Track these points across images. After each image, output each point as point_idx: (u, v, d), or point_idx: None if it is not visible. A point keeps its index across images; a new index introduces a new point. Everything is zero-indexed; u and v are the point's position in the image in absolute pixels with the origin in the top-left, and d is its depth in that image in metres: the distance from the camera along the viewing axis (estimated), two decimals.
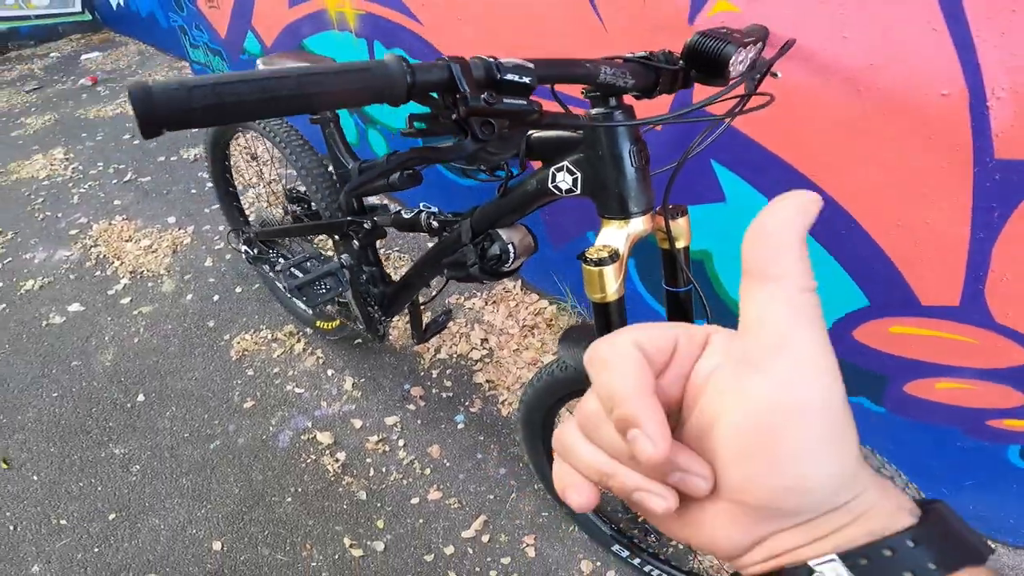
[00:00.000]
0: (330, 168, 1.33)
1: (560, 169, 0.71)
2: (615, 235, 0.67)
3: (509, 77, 0.53)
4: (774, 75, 0.72)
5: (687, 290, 0.75)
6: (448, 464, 1.56)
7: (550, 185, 0.74)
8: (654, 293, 1.61)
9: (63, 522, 1.52)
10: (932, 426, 1.18)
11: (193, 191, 2.93)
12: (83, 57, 5.48)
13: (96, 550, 1.45)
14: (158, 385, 1.86)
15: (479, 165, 0.78)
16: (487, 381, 1.76)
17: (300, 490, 1.52)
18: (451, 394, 1.74)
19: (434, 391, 1.75)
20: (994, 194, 0.87)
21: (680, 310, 0.77)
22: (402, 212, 1.10)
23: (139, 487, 1.58)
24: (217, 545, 1.43)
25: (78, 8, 6.35)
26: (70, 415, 1.80)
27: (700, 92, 0.72)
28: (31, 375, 1.95)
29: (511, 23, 1.42)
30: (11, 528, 1.52)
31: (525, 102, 0.53)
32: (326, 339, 1.94)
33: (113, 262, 2.44)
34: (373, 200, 1.92)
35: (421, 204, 1.04)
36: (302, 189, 1.60)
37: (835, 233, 1.10)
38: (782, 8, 0.93)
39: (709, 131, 0.69)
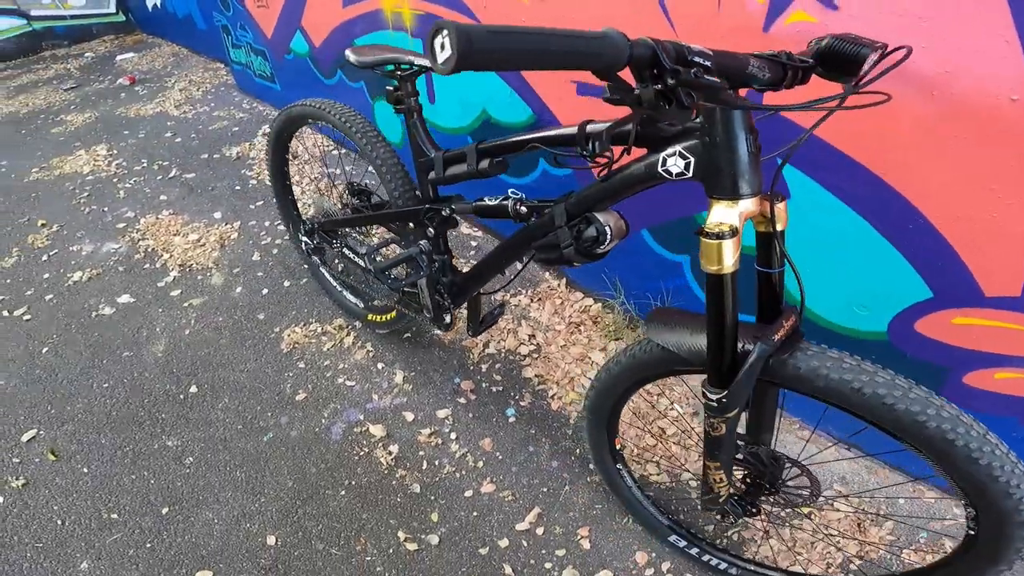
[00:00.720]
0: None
1: (672, 154, 0.80)
2: (728, 213, 0.76)
3: (695, 59, 0.63)
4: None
5: (780, 271, 0.84)
6: (500, 457, 1.63)
7: (659, 169, 0.83)
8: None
9: (114, 516, 1.55)
10: (989, 416, 1.24)
11: (237, 188, 3.08)
12: (118, 57, 5.74)
13: (148, 545, 1.48)
14: (210, 377, 1.95)
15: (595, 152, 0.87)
16: (536, 376, 1.85)
17: (354, 483, 1.60)
18: (501, 388, 1.82)
19: (484, 385, 1.84)
20: None
21: (772, 290, 0.85)
22: (485, 199, 1.19)
23: (192, 480, 1.64)
24: (271, 540, 1.48)
25: (112, 9, 6.67)
26: (121, 406, 1.88)
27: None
28: (80, 366, 2.05)
29: (580, 26, 1.52)
30: (59, 523, 1.55)
31: (718, 80, 0.63)
32: (375, 332, 2.04)
33: (162, 255, 2.58)
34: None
35: (509, 191, 1.14)
36: (362, 182, 1.72)
37: (902, 228, 1.18)
38: (860, 20, 1.03)
39: (813, 125, 0.79)
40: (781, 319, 0.86)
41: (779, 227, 0.81)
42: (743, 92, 0.76)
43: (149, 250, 2.62)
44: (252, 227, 2.73)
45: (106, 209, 2.99)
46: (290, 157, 1.98)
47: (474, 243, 2.49)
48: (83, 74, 5.41)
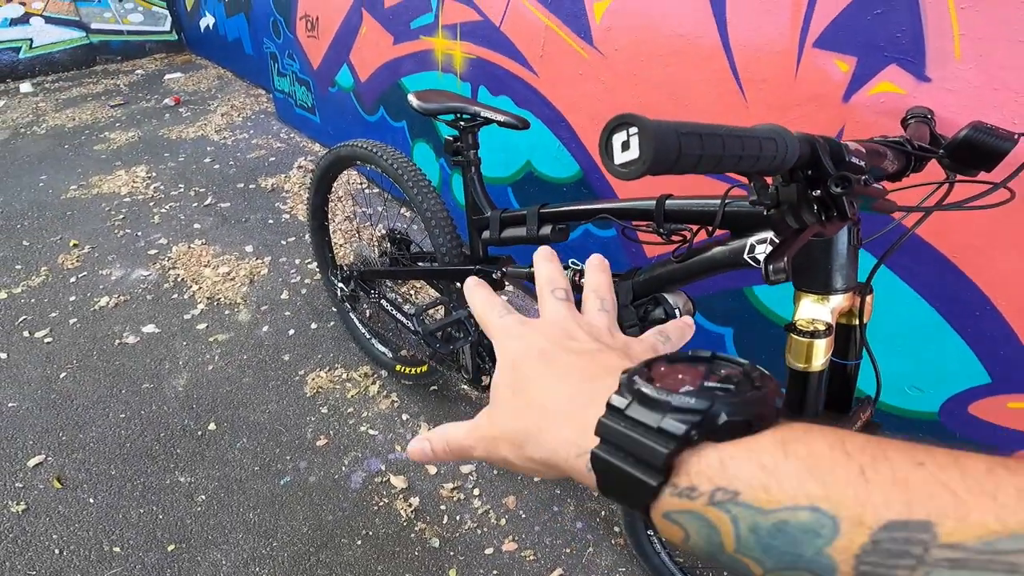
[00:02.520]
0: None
1: (763, 241, 0.79)
2: (820, 310, 0.74)
3: (852, 159, 0.59)
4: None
5: (856, 363, 0.82)
6: (524, 515, 1.63)
7: (745, 256, 0.81)
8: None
9: (116, 550, 1.56)
10: None
11: (270, 221, 3.18)
12: (166, 77, 6.08)
13: None
14: (230, 415, 1.98)
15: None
16: None
17: (371, 533, 1.60)
18: None
19: None
20: None
21: (845, 381, 0.83)
22: None
23: (203, 518, 1.65)
24: None
25: (167, 28, 7.13)
26: (136, 438, 1.91)
27: None
28: (98, 393, 2.09)
29: (641, 84, 1.56)
30: (56, 552, 1.56)
31: (882, 187, 0.60)
32: (401, 383, 2.06)
33: (191, 286, 2.65)
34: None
35: (570, 261, 1.15)
36: (397, 227, 1.75)
37: (968, 314, 1.19)
38: (953, 94, 1.04)
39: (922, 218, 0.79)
40: (858, 411, 0.85)
41: (864, 320, 0.79)
42: None
43: (178, 280, 2.70)
44: (282, 264, 2.79)
45: (139, 233, 3.10)
46: (331, 197, 2.03)
47: (504, 297, 2.49)
48: (131, 91, 5.72)
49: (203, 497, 1.71)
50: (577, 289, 1.10)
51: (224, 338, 2.34)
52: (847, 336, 0.82)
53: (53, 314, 2.52)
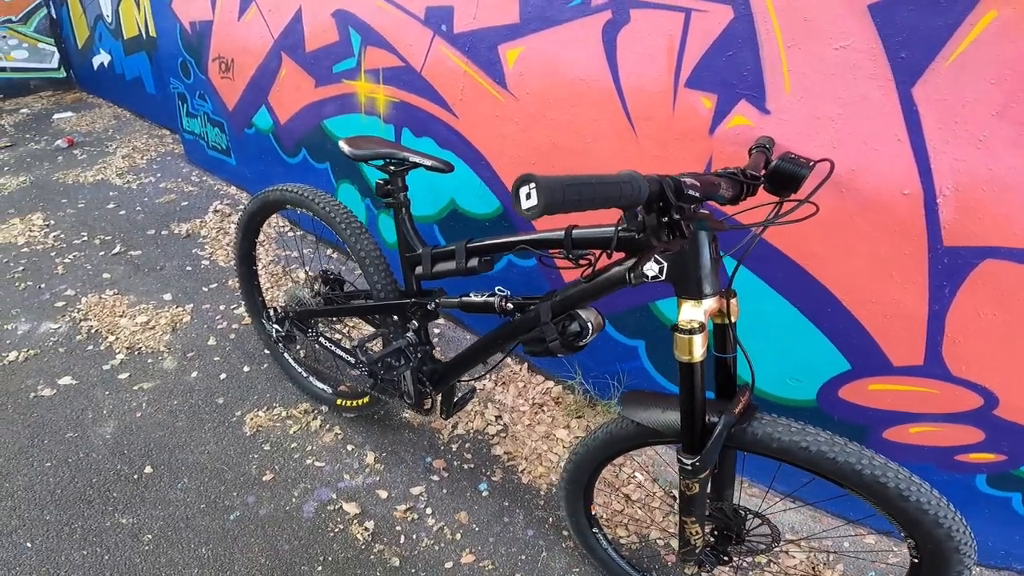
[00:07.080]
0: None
1: (648, 259, 1.05)
2: (696, 312, 1.02)
3: (689, 192, 0.85)
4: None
5: (733, 356, 1.12)
6: (477, 529, 1.89)
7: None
8: (659, 369, 2.04)
9: None
10: (910, 464, 1.59)
11: (188, 268, 3.35)
12: (56, 116, 6.09)
13: None
14: (167, 458, 2.14)
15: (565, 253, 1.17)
16: (505, 453, 2.14)
17: (330, 559, 1.80)
18: (472, 465, 2.10)
19: (456, 463, 2.10)
20: (944, 274, 1.32)
21: (726, 372, 1.14)
22: (471, 295, 1.46)
23: (152, 556, 1.80)
24: None
25: (55, 65, 7.14)
26: (67, 484, 2.04)
27: None
28: (18, 445, 2.20)
29: (550, 124, 1.91)
30: None
31: (709, 213, 0.90)
32: (343, 416, 2.30)
33: (107, 337, 2.78)
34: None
35: (496, 288, 1.42)
36: (328, 268, 1.99)
37: (822, 311, 1.55)
38: (787, 123, 1.39)
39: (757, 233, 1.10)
40: (738, 396, 1.14)
41: (733, 319, 1.09)
42: None
43: (92, 331, 2.82)
44: (206, 310, 2.98)
45: (43, 286, 3.19)
46: (260, 240, 2.25)
47: (437, 330, 2.81)
48: (18, 132, 5.71)
49: (149, 536, 1.86)
50: (504, 312, 1.39)
51: (150, 386, 2.49)
52: (723, 334, 1.12)
53: None
